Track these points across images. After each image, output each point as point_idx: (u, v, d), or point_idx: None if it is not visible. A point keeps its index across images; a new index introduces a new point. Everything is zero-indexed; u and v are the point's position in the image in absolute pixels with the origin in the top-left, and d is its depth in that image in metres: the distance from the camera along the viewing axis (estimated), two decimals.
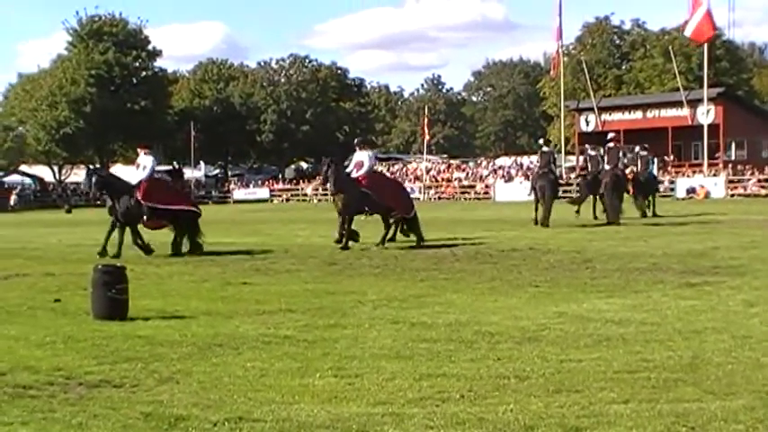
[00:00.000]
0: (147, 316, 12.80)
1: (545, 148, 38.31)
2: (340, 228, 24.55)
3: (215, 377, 9.07)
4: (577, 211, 36.42)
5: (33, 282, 18.10)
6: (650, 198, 38.77)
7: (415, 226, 25.37)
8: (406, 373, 9.03)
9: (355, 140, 28.04)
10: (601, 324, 11.60)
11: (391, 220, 25.47)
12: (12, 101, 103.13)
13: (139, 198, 23.05)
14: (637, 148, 41.52)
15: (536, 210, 33.38)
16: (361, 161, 25.31)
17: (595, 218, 34.70)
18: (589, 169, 37.50)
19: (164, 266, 20.48)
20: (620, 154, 37.47)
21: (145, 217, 23.13)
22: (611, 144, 37.13)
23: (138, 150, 26.57)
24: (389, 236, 25.43)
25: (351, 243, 24.18)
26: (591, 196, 36.05)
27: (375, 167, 26.18)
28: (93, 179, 25.01)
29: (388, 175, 28.02)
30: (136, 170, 24.98)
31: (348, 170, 25.75)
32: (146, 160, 24.74)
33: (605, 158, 36.55)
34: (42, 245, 27.58)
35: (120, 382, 8.98)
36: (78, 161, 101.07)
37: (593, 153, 38.07)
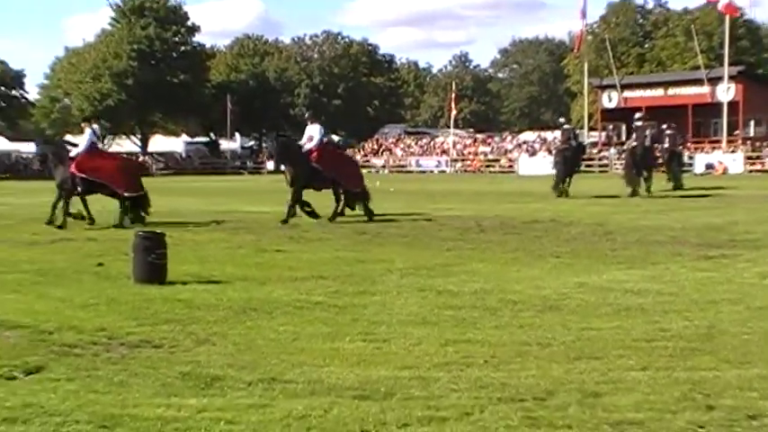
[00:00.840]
0: (185, 280, 12.89)
1: (566, 126, 38.79)
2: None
3: (249, 340, 9.13)
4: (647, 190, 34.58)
5: (78, 246, 18.24)
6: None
7: (362, 200, 24.49)
8: (432, 338, 9.05)
9: (305, 114, 27.24)
10: (620, 294, 11.58)
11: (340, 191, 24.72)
12: (58, 73, 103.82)
13: (72, 170, 23.04)
14: (663, 126, 41.43)
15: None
16: (311, 135, 24.63)
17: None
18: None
19: (201, 233, 20.57)
20: (647, 132, 37.01)
21: (79, 188, 23.02)
22: (639, 122, 37.17)
23: (83, 125, 26.41)
24: (339, 209, 24.67)
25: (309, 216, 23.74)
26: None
27: (327, 141, 25.02)
28: (38, 149, 25.08)
29: (339, 150, 26.47)
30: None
31: (301, 143, 24.97)
32: (85, 134, 24.71)
33: (633, 135, 36.78)
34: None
35: (159, 342, 9.05)
36: (120, 132, 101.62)
37: (639, 124, 37.31)
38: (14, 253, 17.20)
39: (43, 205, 26.95)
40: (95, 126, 26.02)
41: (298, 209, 23.74)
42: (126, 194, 23.11)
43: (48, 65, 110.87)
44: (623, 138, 76.74)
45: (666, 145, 39.33)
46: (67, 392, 7.15)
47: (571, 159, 36.21)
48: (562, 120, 41.56)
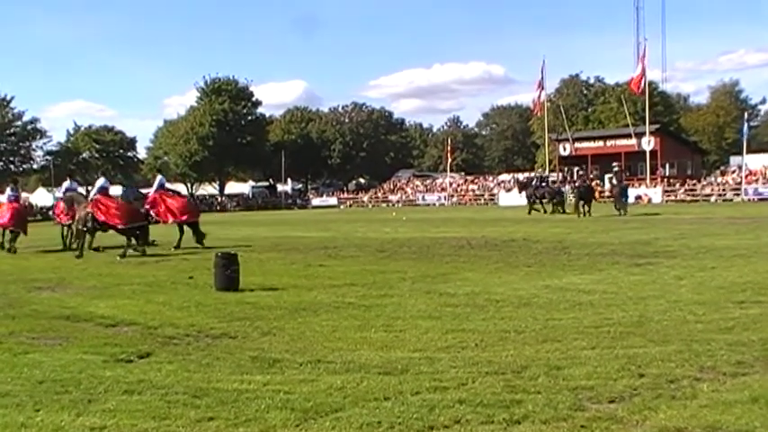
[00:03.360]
0: (253, 288, 12.89)
1: (581, 172, 47.69)
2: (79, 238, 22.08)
3: (300, 332, 9.11)
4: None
5: (174, 264, 18.28)
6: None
7: (129, 234, 21.37)
8: (436, 328, 9.02)
9: (99, 172, 26.60)
10: (575, 293, 11.54)
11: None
12: (160, 139, 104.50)
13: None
14: (614, 164, 45.38)
15: (576, 209, 37.91)
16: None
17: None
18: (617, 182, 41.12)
19: (263, 253, 20.56)
20: (622, 174, 42.03)
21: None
22: (616, 169, 41.45)
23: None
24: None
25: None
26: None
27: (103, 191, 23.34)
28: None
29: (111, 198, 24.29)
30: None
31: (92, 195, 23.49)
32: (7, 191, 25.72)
33: (614, 176, 41.19)
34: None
35: (234, 334, 9.06)
36: (204, 180, 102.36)
37: (616, 170, 41.73)
38: (128, 270, 17.26)
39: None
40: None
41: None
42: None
43: (152, 132, 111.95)
44: (575, 177, 77.16)
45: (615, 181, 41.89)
46: (169, 371, 7.18)
47: (582, 194, 38.71)
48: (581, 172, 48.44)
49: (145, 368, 7.39)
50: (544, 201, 44.20)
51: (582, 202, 37.87)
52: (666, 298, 10.77)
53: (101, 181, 24.52)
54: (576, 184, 41.37)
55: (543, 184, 48.41)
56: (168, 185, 26.24)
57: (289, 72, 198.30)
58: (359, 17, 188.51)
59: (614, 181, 41.38)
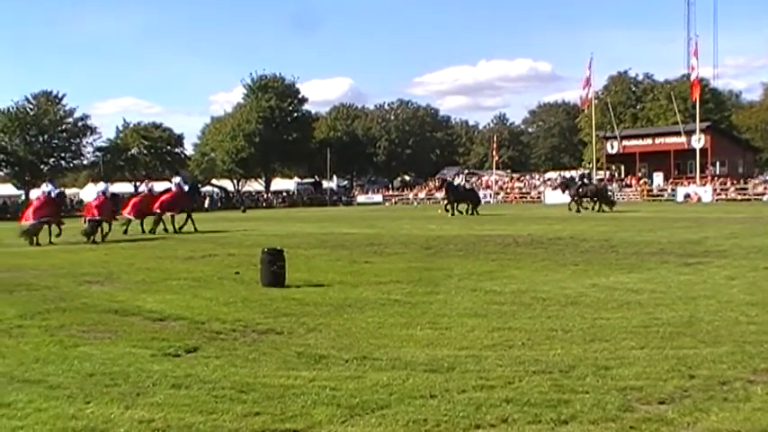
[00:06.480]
0: (299, 284, 12.91)
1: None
2: None
3: (346, 328, 9.12)
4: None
5: (220, 260, 18.42)
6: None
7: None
8: (482, 326, 8.97)
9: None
10: (623, 292, 11.40)
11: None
12: (206, 136, 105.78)
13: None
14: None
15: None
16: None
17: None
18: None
19: (309, 250, 20.63)
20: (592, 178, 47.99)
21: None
22: (582, 172, 46.00)
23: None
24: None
25: None
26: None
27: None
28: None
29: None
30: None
31: None
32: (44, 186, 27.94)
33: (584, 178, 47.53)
34: (227, 234, 28.01)
35: (280, 330, 9.09)
36: (250, 176, 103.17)
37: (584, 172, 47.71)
38: (176, 265, 17.44)
39: (191, 230, 27.29)
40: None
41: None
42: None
43: (199, 129, 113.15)
44: (622, 175, 76.62)
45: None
46: (216, 366, 7.24)
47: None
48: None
49: (192, 362, 7.45)
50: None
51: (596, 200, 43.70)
52: (717, 298, 10.59)
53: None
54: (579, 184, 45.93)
55: (467, 187, 51.73)
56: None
57: (334, 69, 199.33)
58: (404, 14, 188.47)
59: (585, 180, 47.44)
